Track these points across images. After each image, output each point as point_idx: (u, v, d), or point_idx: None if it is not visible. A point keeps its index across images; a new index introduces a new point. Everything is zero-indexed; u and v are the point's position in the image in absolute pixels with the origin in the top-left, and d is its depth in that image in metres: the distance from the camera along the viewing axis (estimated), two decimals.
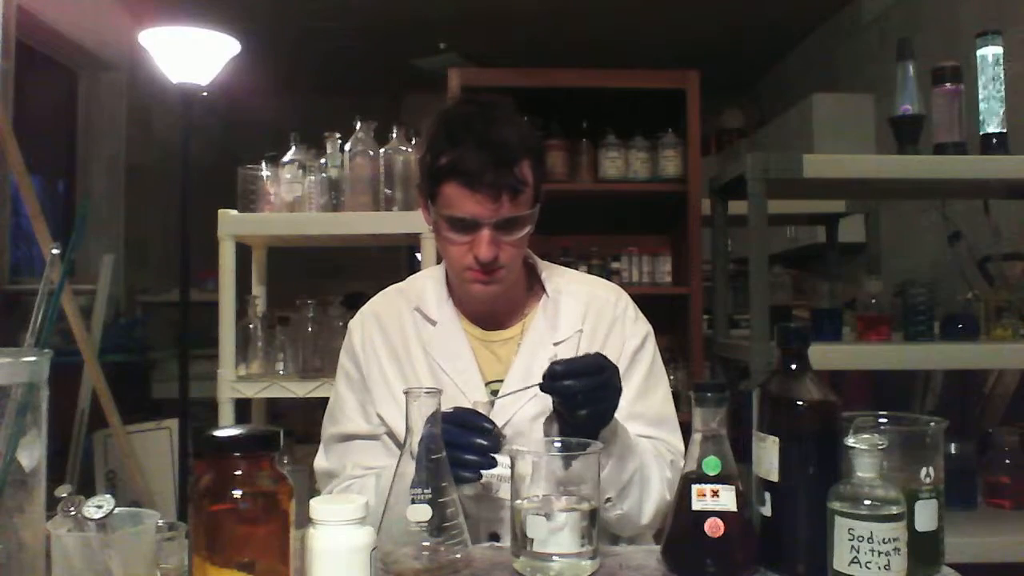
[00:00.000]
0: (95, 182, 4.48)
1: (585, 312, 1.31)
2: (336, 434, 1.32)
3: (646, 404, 1.28)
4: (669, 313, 3.04)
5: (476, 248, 1.19)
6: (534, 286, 1.36)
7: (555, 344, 1.29)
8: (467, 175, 1.16)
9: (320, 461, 1.33)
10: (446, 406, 1.19)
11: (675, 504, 0.95)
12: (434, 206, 1.22)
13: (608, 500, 1.15)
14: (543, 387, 1.07)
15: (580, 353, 1.28)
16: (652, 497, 1.18)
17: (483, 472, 1.07)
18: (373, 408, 1.29)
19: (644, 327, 1.35)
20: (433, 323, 1.31)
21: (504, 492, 1.11)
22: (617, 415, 1.24)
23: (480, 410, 1.12)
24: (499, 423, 1.23)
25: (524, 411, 1.24)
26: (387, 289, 1.41)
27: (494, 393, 1.26)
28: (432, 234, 1.30)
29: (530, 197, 1.21)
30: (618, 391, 1.11)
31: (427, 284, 1.36)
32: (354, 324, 1.37)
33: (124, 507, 0.84)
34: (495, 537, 1.18)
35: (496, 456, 1.07)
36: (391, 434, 1.27)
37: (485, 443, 1.05)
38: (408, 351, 1.30)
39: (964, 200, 2.77)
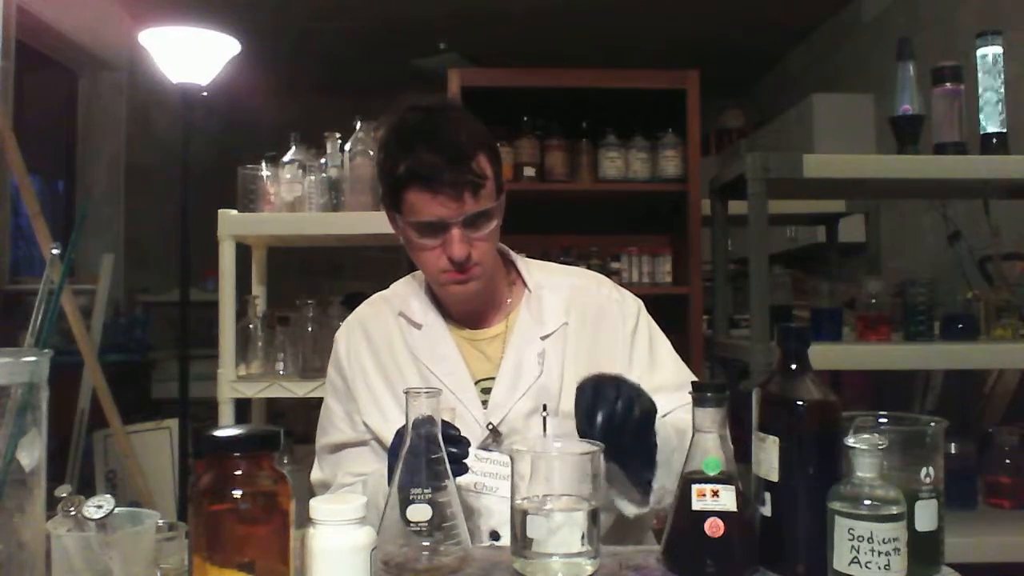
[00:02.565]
0: (95, 182, 4.49)
1: (568, 304, 1.32)
2: (327, 444, 1.33)
3: (660, 376, 1.29)
4: (669, 313, 3.02)
5: (448, 249, 1.20)
6: (515, 282, 1.37)
7: (542, 338, 1.29)
8: (426, 179, 1.17)
9: (315, 473, 1.34)
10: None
11: (675, 504, 0.95)
12: (400, 216, 1.23)
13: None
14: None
15: (569, 345, 1.29)
16: None
17: (465, 478, 1.07)
18: (359, 416, 1.29)
19: (632, 303, 1.35)
20: (418, 327, 1.32)
21: (504, 491, 1.11)
22: None
23: (445, 417, 1.11)
24: (494, 421, 1.24)
25: (518, 408, 1.24)
26: (372, 297, 1.42)
27: (485, 391, 1.27)
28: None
29: (492, 190, 1.22)
30: (627, 392, 1.06)
31: (409, 289, 1.37)
32: (340, 335, 1.38)
33: (124, 507, 0.84)
34: (495, 536, 1.18)
35: (467, 462, 1.07)
36: (379, 440, 1.27)
37: (455, 451, 1.05)
38: (395, 357, 1.30)
39: (964, 200, 2.77)
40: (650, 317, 1.36)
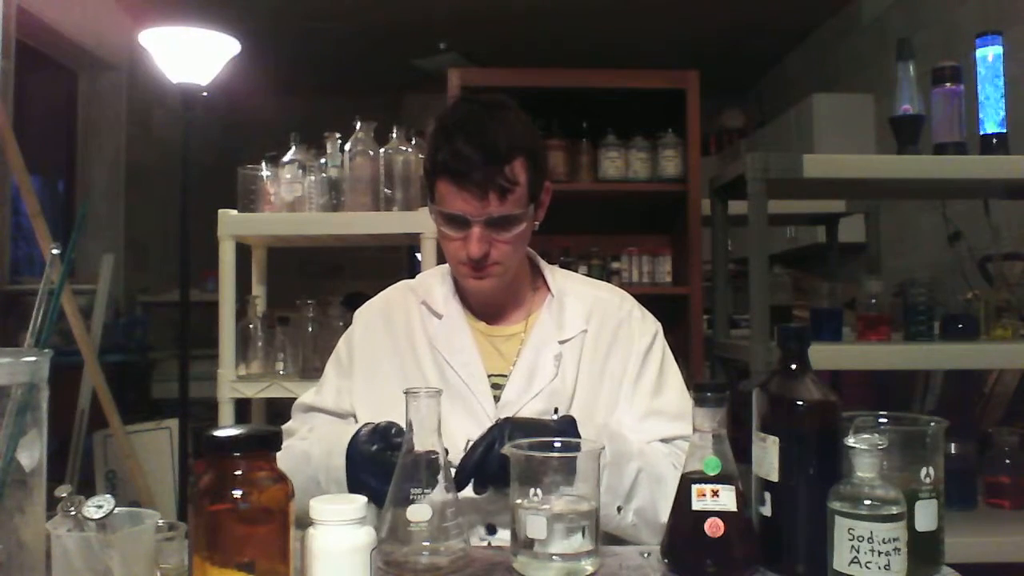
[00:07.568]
0: (95, 182, 4.48)
1: (589, 313, 1.33)
2: (306, 403, 1.37)
3: (663, 400, 1.29)
4: (669, 313, 3.02)
5: (467, 245, 1.21)
6: (539, 286, 1.38)
7: (560, 342, 1.30)
8: (456, 172, 1.18)
9: (287, 425, 1.36)
10: (451, 396, 1.20)
11: (675, 504, 0.95)
12: (432, 203, 1.26)
13: (619, 509, 1.15)
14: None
15: (585, 352, 1.30)
16: (668, 494, 1.17)
17: None
18: (348, 396, 1.32)
19: (652, 325, 1.36)
20: (439, 316, 1.33)
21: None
22: (634, 413, 1.26)
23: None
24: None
25: (529, 407, 1.24)
26: (397, 284, 1.44)
27: (496, 387, 1.27)
28: (433, 234, 1.32)
29: (522, 196, 1.22)
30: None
31: (434, 280, 1.39)
32: (360, 313, 1.40)
33: (124, 507, 0.84)
34: (492, 529, 1.18)
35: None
36: (358, 422, 1.28)
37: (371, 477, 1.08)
38: (413, 344, 1.32)
39: (964, 200, 2.77)
40: (666, 343, 1.37)
